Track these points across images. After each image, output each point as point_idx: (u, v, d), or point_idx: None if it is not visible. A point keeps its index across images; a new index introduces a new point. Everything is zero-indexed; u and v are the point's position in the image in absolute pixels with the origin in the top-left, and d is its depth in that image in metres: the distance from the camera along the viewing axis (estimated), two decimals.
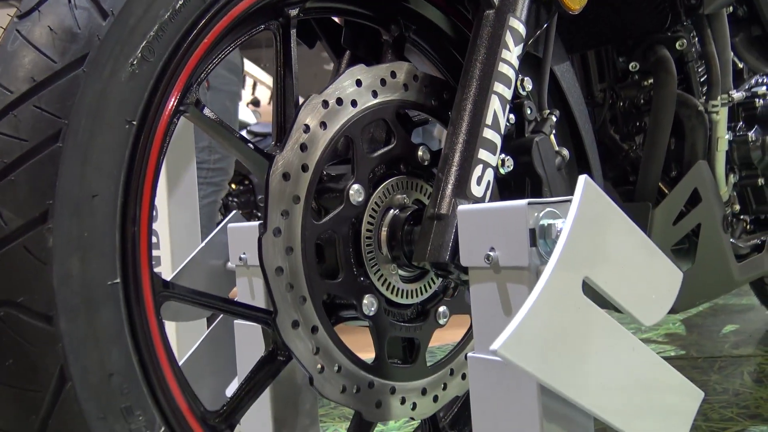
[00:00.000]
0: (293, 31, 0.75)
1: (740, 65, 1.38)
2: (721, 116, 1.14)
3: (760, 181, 1.23)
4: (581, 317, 0.58)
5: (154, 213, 1.42)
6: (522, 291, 0.62)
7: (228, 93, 2.09)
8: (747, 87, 1.32)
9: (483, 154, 0.73)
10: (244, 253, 0.87)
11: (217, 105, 1.99)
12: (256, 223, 0.79)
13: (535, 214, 0.63)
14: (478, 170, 0.72)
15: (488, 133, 0.74)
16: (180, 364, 0.96)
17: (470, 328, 0.85)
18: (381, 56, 0.89)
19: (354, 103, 0.72)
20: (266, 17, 0.73)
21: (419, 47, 0.92)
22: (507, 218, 0.63)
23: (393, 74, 0.77)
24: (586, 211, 0.60)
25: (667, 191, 1.22)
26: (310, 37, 0.95)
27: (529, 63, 0.93)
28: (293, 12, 0.75)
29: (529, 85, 0.86)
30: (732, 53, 1.34)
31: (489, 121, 0.75)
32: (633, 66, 1.20)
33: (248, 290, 0.88)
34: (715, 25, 1.12)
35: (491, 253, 0.63)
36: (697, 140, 1.16)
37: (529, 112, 0.85)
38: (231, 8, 0.65)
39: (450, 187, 0.71)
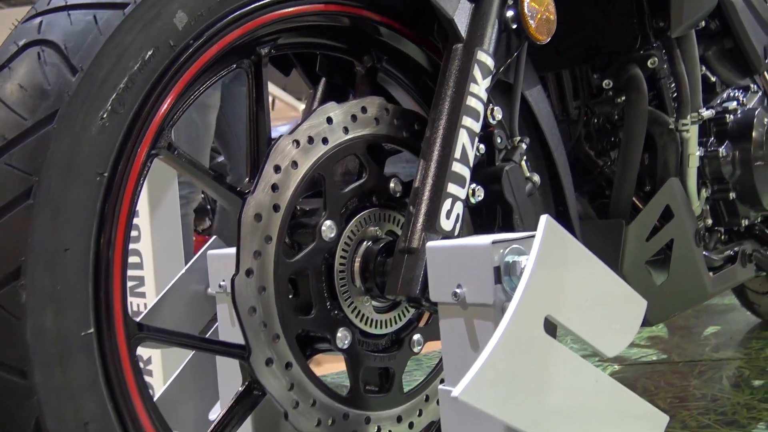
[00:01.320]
0: (265, 69, 0.77)
1: (713, 79, 1.40)
2: (692, 134, 1.16)
3: (732, 195, 1.26)
4: (543, 355, 0.60)
5: (137, 233, 1.43)
6: (488, 327, 0.64)
7: (195, 104, 2.09)
8: (719, 101, 1.35)
9: (452, 188, 0.75)
10: (223, 281, 0.88)
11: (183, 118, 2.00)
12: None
13: (501, 251, 0.65)
14: (447, 204, 0.74)
15: (457, 167, 0.76)
16: (164, 387, 0.99)
17: None
18: (356, 84, 0.91)
19: (325, 141, 0.74)
20: (238, 57, 0.74)
21: (393, 76, 0.93)
22: (472, 256, 0.64)
23: (364, 109, 0.78)
24: (547, 250, 0.62)
25: (641, 206, 1.24)
26: (285, 65, 0.97)
27: (501, 89, 0.95)
28: (264, 50, 0.76)
29: (498, 114, 0.87)
30: (704, 68, 1.37)
31: (457, 155, 0.76)
32: (606, 83, 1.22)
33: (228, 318, 0.90)
34: (684, 46, 1.14)
35: (458, 290, 0.65)
36: (669, 157, 1.19)
37: (499, 140, 0.87)
38: (202, 53, 0.67)
39: (420, 221, 0.73)
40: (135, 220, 1.43)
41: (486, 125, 0.86)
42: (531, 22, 0.85)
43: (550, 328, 0.63)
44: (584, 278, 0.66)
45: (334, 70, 0.94)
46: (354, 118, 0.77)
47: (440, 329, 0.68)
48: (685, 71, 1.14)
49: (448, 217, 0.74)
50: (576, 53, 1.17)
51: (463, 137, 0.77)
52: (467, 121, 0.78)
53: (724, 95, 1.38)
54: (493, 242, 0.63)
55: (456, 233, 0.75)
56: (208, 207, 4.70)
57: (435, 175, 0.75)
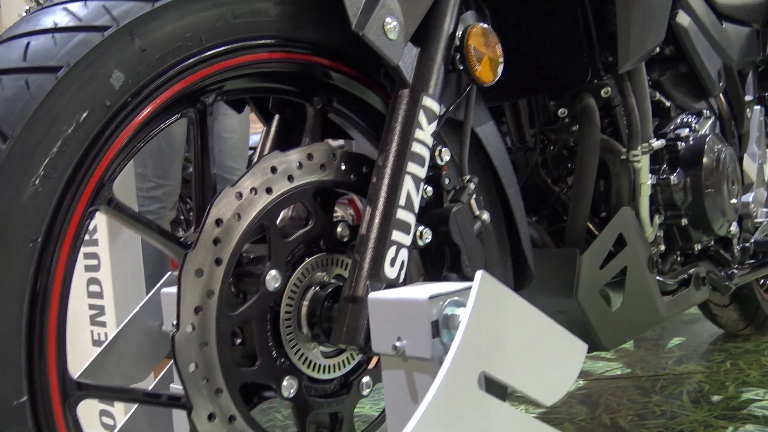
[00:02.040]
0: (210, 117, 0.77)
1: (667, 104, 1.43)
2: (643, 164, 1.18)
3: (684, 221, 1.28)
4: (480, 411, 0.61)
5: (97, 262, 1.42)
6: (427, 381, 0.65)
7: None
8: (672, 127, 1.38)
9: (396, 235, 0.76)
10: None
11: None
12: None
13: (439, 304, 0.66)
14: (391, 252, 0.75)
15: (401, 214, 0.77)
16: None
17: None
18: (306, 124, 0.91)
19: (269, 191, 0.74)
20: (181, 107, 0.74)
21: (345, 116, 0.94)
22: (410, 310, 0.65)
23: (310, 156, 0.79)
24: (482, 306, 0.63)
25: (597, 232, 1.26)
26: (238, 102, 0.97)
27: (452, 126, 0.96)
28: (209, 99, 0.76)
29: (446, 155, 0.88)
30: (658, 94, 1.40)
31: (402, 202, 0.77)
32: (562, 112, 1.24)
33: None
34: (634, 78, 1.16)
35: (398, 343, 0.66)
36: (621, 185, 1.21)
37: (447, 182, 0.88)
38: (141, 109, 0.67)
39: (364, 269, 0.74)
40: (94, 249, 1.42)
41: (434, 165, 0.87)
42: (477, 65, 0.87)
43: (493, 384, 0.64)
44: (521, 329, 0.67)
45: (286, 108, 0.94)
46: (299, 165, 0.77)
47: (383, 380, 0.69)
48: (635, 103, 1.16)
49: (392, 264, 0.75)
50: (530, 84, 1.19)
51: (407, 184, 0.78)
52: (412, 167, 0.79)
53: (678, 120, 1.40)
54: (431, 297, 0.64)
55: (401, 280, 0.76)
56: (182, 218, 4.65)
57: (380, 222, 0.76)
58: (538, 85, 1.18)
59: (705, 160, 1.27)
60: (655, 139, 1.20)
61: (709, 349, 2.11)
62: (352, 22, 0.76)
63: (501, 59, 0.90)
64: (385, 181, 0.77)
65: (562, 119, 1.25)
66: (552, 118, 1.27)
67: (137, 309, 1.03)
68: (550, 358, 0.70)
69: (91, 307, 1.43)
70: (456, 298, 0.66)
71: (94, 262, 1.41)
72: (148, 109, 0.67)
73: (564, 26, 1.10)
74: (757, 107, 1.75)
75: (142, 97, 0.66)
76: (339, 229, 0.82)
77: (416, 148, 0.80)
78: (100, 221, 1.41)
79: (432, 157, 0.87)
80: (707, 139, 1.30)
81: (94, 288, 1.42)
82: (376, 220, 0.76)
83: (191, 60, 0.69)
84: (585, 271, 1.15)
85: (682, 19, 1.40)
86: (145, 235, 0.73)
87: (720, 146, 1.31)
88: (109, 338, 1.01)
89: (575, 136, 1.23)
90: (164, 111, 0.71)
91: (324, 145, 0.81)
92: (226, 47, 0.73)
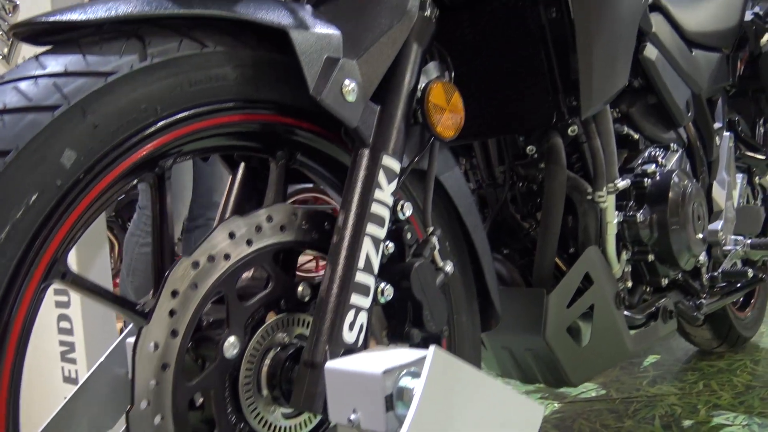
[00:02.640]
0: (169, 182, 0.77)
1: (636, 136, 1.45)
2: (609, 204, 1.20)
3: (651, 257, 1.30)
4: None
5: (67, 299, 1.41)
6: None
7: None
8: (640, 161, 1.39)
9: (355, 298, 0.76)
10: None
11: None
12: None
13: (395, 376, 0.66)
14: (350, 316, 0.76)
15: (360, 277, 0.77)
16: None
17: None
18: (270, 176, 0.91)
19: (227, 257, 0.74)
20: (139, 173, 0.74)
21: (310, 168, 0.94)
22: (365, 384, 0.66)
23: (269, 218, 0.79)
24: (436, 379, 0.64)
25: (565, 268, 1.28)
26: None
27: (416, 175, 0.97)
28: (168, 163, 0.76)
29: (408, 210, 0.89)
30: (626, 127, 1.41)
31: (361, 264, 0.78)
32: (530, 149, 1.25)
33: None
34: (599, 120, 1.18)
35: (353, 416, 0.67)
36: (588, 224, 1.22)
37: (409, 236, 0.88)
38: (96, 183, 0.66)
39: (323, 333, 0.74)
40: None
41: (396, 220, 0.88)
42: (437, 122, 0.87)
43: None
44: (476, 399, 0.68)
45: (251, 157, 0.95)
46: (258, 228, 0.78)
47: None
48: (600, 145, 1.17)
49: (351, 328, 0.76)
50: (497, 125, 1.20)
51: (367, 246, 0.79)
52: (371, 228, 0.79)
53: (646, 154, 1.42)
54: (385, 371, 0.65)
55: (360, 344, 0.76)
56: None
57: (339, 285, 0.76)
58: (506, 126, 1.19)
59: (670, 196, 1.28)
60: (620, 179, 1.21)
61: (683, 368, 2.14)
62: (310, 86, 0.76)
63: (461, 114, 0.91)
64: (345, 244, 0.78)
65: (530, 156, 1.26)
66: (521, 154, 1.29)
67: (103, 358, 1.03)
68: (506, 424, 0.71)
69: (62, 343, 1.42)
70: (411, 369, 0.67)
71: (64, 298, 1.40)
72: (103, 183, 0.67)
73: (528, 71, 1.11)
74: (727, 134, 1.77)
75: (96, 172, 0.66)
76: (300, 289, 0.82)
77: (376, 208, 0.80)
78: (70, 257, 1.40)
79: (394, 211, 0.87)
80: (673, 175, 1.31)
81: (64, 324, 1.41)
82: (335, 284, 0.76)
83: (147, 131, 0.69)
84: (552, 311, 1.16)
85: (650, 52, 1.41)
86: (104, 304, 0.73)
87: (686, 182, 1.33)
88: (75, 389, 1.01)
89: (543, 172, 1.25)
90: (121, 179, 0.71)
91: (284, 206, 0.81)
92: (183, 114, 0.73)
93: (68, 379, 1.41)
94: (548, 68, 1.09)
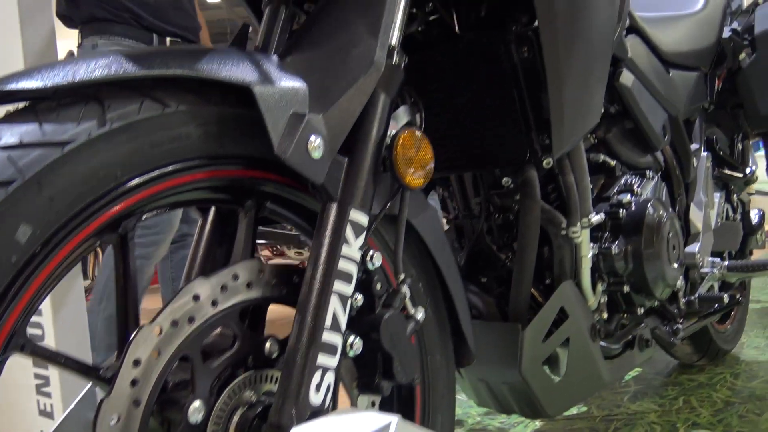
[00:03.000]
0: (132, 243, 0.76)
1: (612, 163, 1.45)
2: (583, 238, 1.20)
3: (626, 287, 1.30)
4: None
5: (41, 332, 1.40)
6: None
7: None
8: (616, 190, 1.39)
9: (322, 359, 0.76)
10: None
11: None
12: None
13: None
14: (317, 377, 0.75)
15: (327, 336, 0.77)
16: None
17: None
18: (239, 224, 0.90)
19: (191, 320, 0.74)
20: (100, 236, 0.73)
21: (278, 215, 0.93)
22: None
23: (235, 277, 0.78)
24: None
25: (540, 299, 1.28)
26: None
27: (387, 220, 0.96)
28: (131, 224, 0.75)
29: (378, 260, 0.88)
30: (602, 155, 1.41)
31: (328, 323, 0.77)
32: (506, 181, 1.25)
33: None
34: (572, 156, 1.18)
35: None
36: (563, 258, 1.22)
37: (379, 287, 0.88)
38: (54, 254, 0.65)
39: (289, 396, 0.74)
40: (38, 319, 1.40)
41: (365, 270, 0.87)
42: (405, 171, 0.87)
43: None
44: None
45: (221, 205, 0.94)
46: (224, 288, 0.77)
47: None
48: (573, 180, 1.17)
49: (317, 390, 0.75)
50: (472, 160, 1.20)
51: (334, 304, 0.78)
52: (339, 285, 0.79)
53: (622, 181, 1.42)
54: None
55: (327, 405, 0.76)
56: None
57: (305, 346, 0.76)
58: (479, 161, 1.19)
59: (645, 227, 1.29)
60: (594, 213, 1.21)
61: (664, 383, 2.15)
62: (275, 145, 0.75)
63: (431, 161, 0.90)
64: (311, 303, 0.77)
65: (506, 187, 1.26)
66: (497, 185, 1.28)
67: (74, 403, 1.02)
68: None
69: (37, 376, 1.41)
70: None
71: (38, 332, 1.39)
72: (61, 253, 0.66)
73: (500, 108, 1.10)
74: (704, 154, 1.78)
75: (54, 245, 0.65)
76: (268, 345, 0.81)
77: (343, 265, 0.80)
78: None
79: (363, 262, 0.87)
80: (648, 205, 1.32)
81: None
82: (301, 345, 0.76)
83: (107, 198, 0.68)
84: (527, 346, 1.16)
85: (626, 78, 1.42)
86: (66, 372, 0.72)
87: (661, 212, 1.33)
88: None
89: (518, 203, 1.24)
90: (79, 246, 0.70)
91: (251, 263, 0.80)
92: (145, 177, 0.72)
93: (44, 413, 1.40)
94: (521, 106, 1.09)
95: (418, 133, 0.89)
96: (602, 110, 1.14)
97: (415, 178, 0.88)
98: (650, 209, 1.30)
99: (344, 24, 0.88)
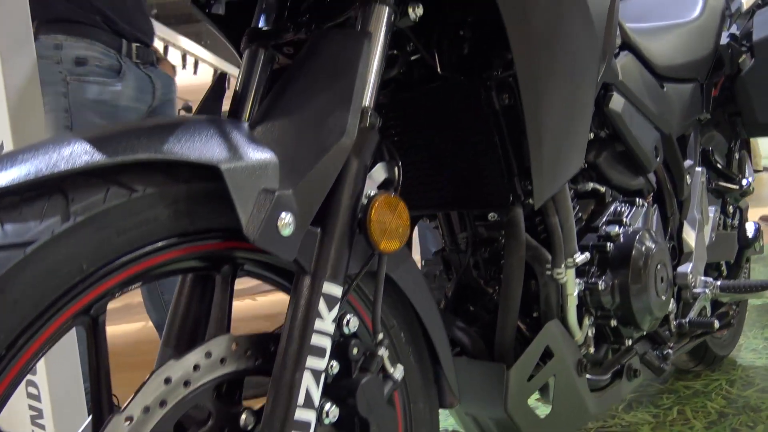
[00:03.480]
0: (104, 323, 0.76)
1: (602, 189, 1.43)
2: (568, 277, 1.19)
3: (614, 321, 1.30)
4: None
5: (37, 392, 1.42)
6: None
7: None
8: (605, 220, 1.38)
9: None
10: None
11: None
12: None
13: None
14: None
15: (300, 414, 0.77)
16: None
17: None
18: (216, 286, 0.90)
19: (163, 404, 0.74)
20: (72, 321, 0.73)
21: (256, 275, 0.93)
22: None
23: (208, 354, 0.78)
24: None
25: (528, 333, 1.28)
26: None
27: (367, 275, 0.96)
28: (103, 306, 0.75)
29: (355, 324, 0.88)
30: (591, 183, 1.40)
31: (301, 401, 0.77)
32: (492, 216, 1.24)
33: None
34: (557, 197, 1.16)
35: None
36: (549, 295, 1.22)
37: (355, 351, 0.88)
38: (21, 355, 0.66)
39: None
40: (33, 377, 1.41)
41: (340, 334, 0.87)
42: (380, 239, 0.86)
43: None
44: None
45: None
46: (196, 367, 0.77)
47: None
48: (558, 222, 1.16)
49: None
50: (454, 201, 1.19)
51: (306, 380, 0.78)
52: (312, 361, 0.79)
53: (612, 209, 1.41)
54: None
55: None
56: None
57: (278, 424, 0.76)
58: (463, 202, 1.18)
59: (632, 261, 1.28)
60: (579, 253, 1.20)
61: (659, 390, 2.15)
62: (243, 226, 0.75)
63: (407, 225, 0.89)
64: (284, 380, 0.77)
65: (492, 221, 1.26)
66: (483, 217, 1.28)
67: None
68: None
69: (31, 408, 1.43)
70: None
71: (34, 391, 1.41)
72: (29, 352, 0.66)
73: (483, 153, 1.09)
74: (698, 169, 1.76)
75: (20, 345, 0.65)
76: (243, 417, 0.82)
77: (316, 340, 0.80)
78: None
79: (339, 326, 0.87)
80: (636, 238, 1.31)
81: (32, 390, 1.41)
82: (275, 422, 0.76)
83: (73, 291, 0.68)
84: (513, 385, 1.17)
85: (616, 104, 1.39)
86: None
87: (649, 244, 1.32)
88: None
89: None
90: (48, 339, 0.70)
91: (224, 338, 0.80)
92: (113, 265, 0.71)
93: None
94: (503, 152, 1.08)
95: (393, 197, 0.88)
96: (584, 155, 1.12)
97: (391, 243, 0.87)
98: (638, 243, 1.29)
99: (317, 88, 0.86)
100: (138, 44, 2.05)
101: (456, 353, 1.22)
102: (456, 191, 1.17)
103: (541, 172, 1.02)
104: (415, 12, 0.96)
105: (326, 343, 0.80)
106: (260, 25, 1.06)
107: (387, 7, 0.91)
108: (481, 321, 1.32)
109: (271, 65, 1.05)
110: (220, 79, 1.03)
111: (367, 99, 0.87)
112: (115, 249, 0.71)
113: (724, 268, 2.02)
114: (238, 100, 1.03)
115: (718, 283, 1.61)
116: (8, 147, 1.36)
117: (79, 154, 0.69)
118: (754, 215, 2.20)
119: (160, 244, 0.75)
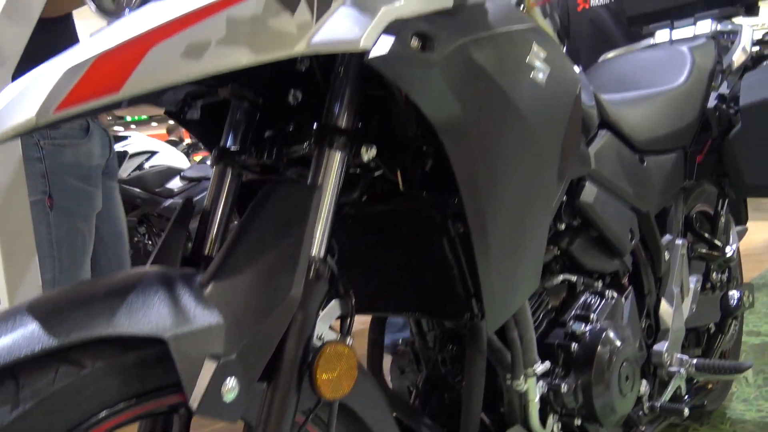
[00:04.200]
0: None
1: (573, 279, 1.45)
2: (529, 386, 1.22)
3: (578, 420, 1.32)
4: None
5: None
6: None
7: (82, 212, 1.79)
8: (573, 314, 1.40)
9: None
10: None
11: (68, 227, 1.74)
12: None
13: None
14: None
15: None
16: None
17: None
18: None
19: None
20: None
21: None
22: None
23: None
24: None
25: (492, 430, 1.31)
26: None
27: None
28: None
29: None
30: (561, 276, 1.42)
31: None
32: None
33: None
34: (516, 313, 1.19)
35: None
36: (512, 401, 1.25)
37: None
38: None
39: None
40: None
41: None
42: (327, 390, 0.89)
43: None
44: None
45: None
46: None
47: None
48: (516, 335, 1.19)
49: None
50: (418, 308, 1.22)
51: None
52: None
53: (581, 301, 1.43)
54: None
55: None
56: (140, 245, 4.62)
57: None
58: (426, 310, 1.21)
59: (596, 363, 1.29)
60: (539, 363, 1.23)
61: None
62: (186, 396, 0.79)
63: (356, 372, 0.93)
64: None
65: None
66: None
67: None
68: None
69: None
70: None
71: None
72: None
73: (440, 274, 1.12)
74: (679, 241, 1.76)
75: None
76: None
77: None
78: None
79: None
80: (602, 337, 1.32)
81: None
82: None
83: None
84: None
85: (588, 194, 1.41)
86: None
87: (615, 344, 1.34)
88: None
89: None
90: None
91: None
92: None
93: None
94: (459, 274, 1.10)
95: (340, 345, 0.91)
96: (540, 274, 1.14)
97: (337, 391, 0.91)
98: (602, 344, 1.31)
99: (266, 243, 0.90)
100: None
101: None
102: (421, 300, 1.20)
103: (493, 301, 1.05)
104: (368, 153, 0.99)
105: None
106: (228, 144, 1.10)
107: (339, 152, 0.95)
108: (449, 413, 1.35)
109: (239, 180, 1.09)
110: (186, 205, 1.07)
111: (316, 249, 0.90)
112: (66, 424, 0.75)
113: (712, 326, 2.02)
114: (207, 217, 1.07)
115: (694, 361, 1.63)
116: None
117: (33, 336, 0.73)
118: (760, 228, 2.16)
119: (112, 409, 0.79)
